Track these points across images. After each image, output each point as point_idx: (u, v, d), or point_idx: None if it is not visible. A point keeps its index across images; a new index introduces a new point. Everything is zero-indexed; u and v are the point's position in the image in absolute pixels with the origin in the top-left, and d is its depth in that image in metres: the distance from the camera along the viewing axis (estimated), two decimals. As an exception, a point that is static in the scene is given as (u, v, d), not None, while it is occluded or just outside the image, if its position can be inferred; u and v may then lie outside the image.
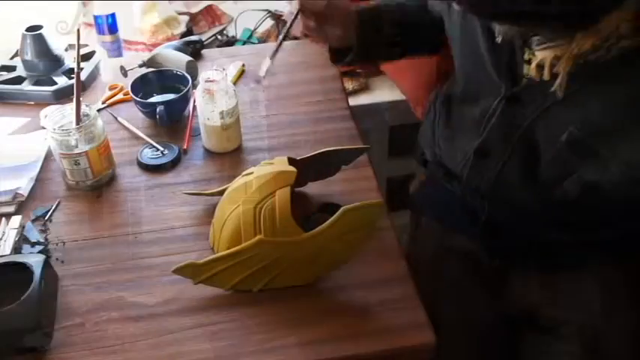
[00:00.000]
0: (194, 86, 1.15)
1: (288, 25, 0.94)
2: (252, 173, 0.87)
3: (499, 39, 0.83)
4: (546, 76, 0.78)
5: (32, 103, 1.21)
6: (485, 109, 0.90)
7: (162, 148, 1.07)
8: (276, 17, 1.72)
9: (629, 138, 0.76)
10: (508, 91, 0.85)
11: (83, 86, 1.22)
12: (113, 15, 1.52)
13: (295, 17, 0.93)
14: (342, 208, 0.79)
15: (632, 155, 0.77)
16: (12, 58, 1.30)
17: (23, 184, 1.00)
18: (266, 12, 1.72)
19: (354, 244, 0.83)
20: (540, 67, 0.78)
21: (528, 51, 0.81)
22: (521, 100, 0.84)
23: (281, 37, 0.95)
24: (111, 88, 1.24)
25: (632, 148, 0.76)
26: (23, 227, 0.94)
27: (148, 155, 1.07)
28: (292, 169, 0.86)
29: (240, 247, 0.82)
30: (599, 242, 0.90)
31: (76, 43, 1.00)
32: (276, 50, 0.94)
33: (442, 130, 1.02)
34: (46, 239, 0.93)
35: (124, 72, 1.26)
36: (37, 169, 1.04)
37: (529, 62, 0.82)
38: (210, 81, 1.01)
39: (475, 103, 0.93)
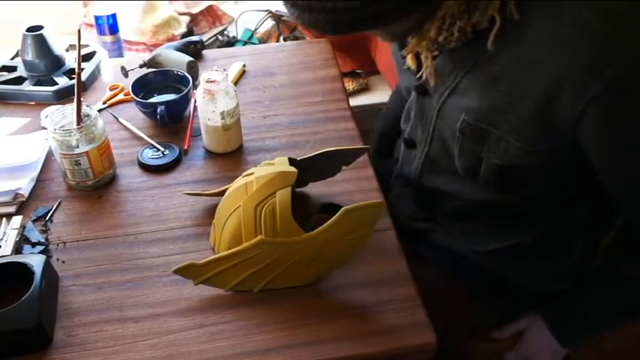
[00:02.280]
0: (195, 87, 1.15)
1: None
2: (252, 174, 0.87)
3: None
4: (410, 63, 0.89)
5: (33, 103, 1.21)
6: (410, 103, 1.00)
7: (162, 149, 1.08)
8: (277, 18, 1.72)
9: (506, 116, 0.79)
10: (414, 83, 0.93)
11: (84, 86, 1.23)
12: (114, 15, 1.53)
13: None
14: (342, 209, 0.79)
15: (517, 129, 0.79)
16: (13, 58, 1.30)
17: (24, 185, 1.00)
18: (267, 12, 1.72)
19: (355, 244, 0.83)
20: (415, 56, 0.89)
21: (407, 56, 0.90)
22: (428, 93, 0.91)
23: None
24: (111, 89, 1.24)
25: (513, 123, 0.78)
26: (24, 227, 0.94)
27: (149, 155, 1.07)
28: (293, 169, 0.86)
29: (241, 248, 0.82)
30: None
31: (76, 43, 1.00)
32: None
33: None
34: (46, 239, 0.93)
35: (125, 72, 1.26)
36: (38, 170, 1.04)
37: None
38: (211, 81, 1.01)
39: (407, 100, 1.02)
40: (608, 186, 0.82)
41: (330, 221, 0.79)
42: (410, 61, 0.89)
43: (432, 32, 0.79)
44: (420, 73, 0.88)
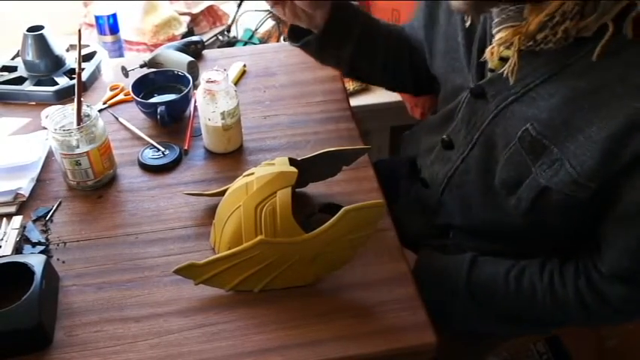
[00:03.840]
0: (195, 87, 1.15)
1: None
2: (253, 174, 0.87)
3: (467, 22, 0.89)
4: (495, 56, 0.82)
5: (33, 103, 1.21)
6: (456, 103, 0.94)
7: (163, 149, 1.08)
8: (277, 18, 1.72)
9: (575, 137, 0.75)
10: (474, 84, 0.88)
11: (84, 86, 1.23)
12: (114, 15, 1.52)
13: None
14: (343, 209, 0.79)
15: (577, 155, 0.75)
16: (13, 58, 1.30)
17: (24, 185, 1.00)
18: (267, 12, 1.72)
19: (355, 244, 0.83)
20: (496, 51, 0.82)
21: (486, 51, 0.84)
22: (485, 95, 0.87)
23: None
24: (112, 89, 1.24)
25: (578, 147, 0.75)
26: (24, 227, 0.94)
27: (149, 156, 1.07)
28: (293, 169, 0.86)
29: (241, 248, 0.82)
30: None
31: (77, 43, 1.00)
32: None
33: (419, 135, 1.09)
34: (47, 239, 0.93)
35: (125, 72, 1.26)
36: (38, 170, 1.04)
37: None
38: (212, 81, 1.01)
39: (450, 101, 0.97)
40: (616, 237, 0.80)
41: (330, 221, 0.79)
42: (493, 55, 0.83)
43: (533, 26, 0.74)
44: (501, 70, 0.82)
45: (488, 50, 0.83)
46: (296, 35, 1.08)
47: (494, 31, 0.80)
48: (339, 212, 0.79)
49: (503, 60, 0.83)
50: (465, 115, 0.92)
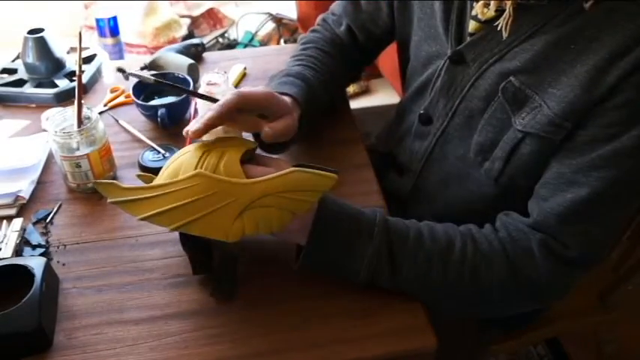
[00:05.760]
0: (195, 89, 1.15)
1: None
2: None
3: None
4: (492, 9, 0.81)
5: (34, 105, 1.21)
6: (432, 73, 0.93)
7: (163, 151, 1.08)
8: (277, 20, 1.73)
9: (559, 80, 0.76)
10: (453, 50, 0.88)
11: (84, 89, 1.23)
12: (115, 18, 1.53)
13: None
14: (292, 167, 0.76)
15: (557, 96, 0.76)
16: (14, 60, 1.30)
17: (24, 187, 1.00)
18: (267, 15, 1.72)
19: (292, 207, 0.77)
20: (487, 6, 0.82)
21: (476, 5, 0.84)
22: (465, 61, 0.86)
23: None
24: (112, 91, 1.24)
25: (560, 88, 0.76)
26: (24, 230, 0.94)
27: (150, 158, 1.07)
28: (253, 141, 0.83)
29: (175, 180, 0.75)
30: None
31: (77, 45, 1.00)
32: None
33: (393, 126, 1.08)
34: (47, 242, 0.93)
35: (126, 75, 1.26)
36: (39, 172, 1.04)
37: (475, 18, 0.85)
38: (212, 84, 1.01)
39: (421, 73, 0.96)
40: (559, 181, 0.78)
41: (275, 174, 0.76)
42: (480, 8, 0.82)
43: None
44: (469, 38, 0.83)
45: (479, 5, 0.83)
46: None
47: None
48: (287, 169, 0.76)
49: (487, 22, 0.83)
50: (444, 84, 0.90)
